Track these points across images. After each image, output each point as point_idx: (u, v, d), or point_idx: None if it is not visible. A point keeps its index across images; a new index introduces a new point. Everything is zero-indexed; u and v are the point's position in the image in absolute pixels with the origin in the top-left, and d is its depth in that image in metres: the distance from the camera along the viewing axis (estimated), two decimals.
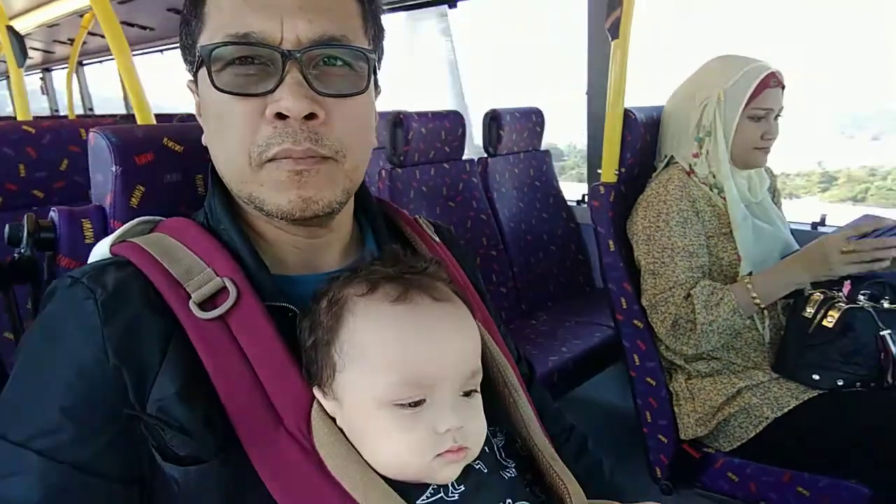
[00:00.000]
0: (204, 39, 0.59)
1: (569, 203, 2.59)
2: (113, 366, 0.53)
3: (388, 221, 0.74)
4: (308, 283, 0.61)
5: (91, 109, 5.49)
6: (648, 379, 1.50)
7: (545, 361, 1.80)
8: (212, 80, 0.57)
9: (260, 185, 0.59)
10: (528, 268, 2.35)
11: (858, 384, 1.29)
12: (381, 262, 0.56)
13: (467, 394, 0.54)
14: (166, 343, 0.55)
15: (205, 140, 0.64)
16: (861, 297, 1.31)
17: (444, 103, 3.32)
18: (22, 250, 0.69)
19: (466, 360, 0.54)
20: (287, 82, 0.55)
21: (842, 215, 1.85)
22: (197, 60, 0.60)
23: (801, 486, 1.32)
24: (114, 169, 0.68)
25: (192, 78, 0.64)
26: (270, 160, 0.57)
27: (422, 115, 2.09)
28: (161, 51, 4.32)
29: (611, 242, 1.49)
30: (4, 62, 2.22)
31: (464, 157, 2.31)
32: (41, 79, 5.93)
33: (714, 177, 1.42)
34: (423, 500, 0.51)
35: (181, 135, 0.73)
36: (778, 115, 1.42)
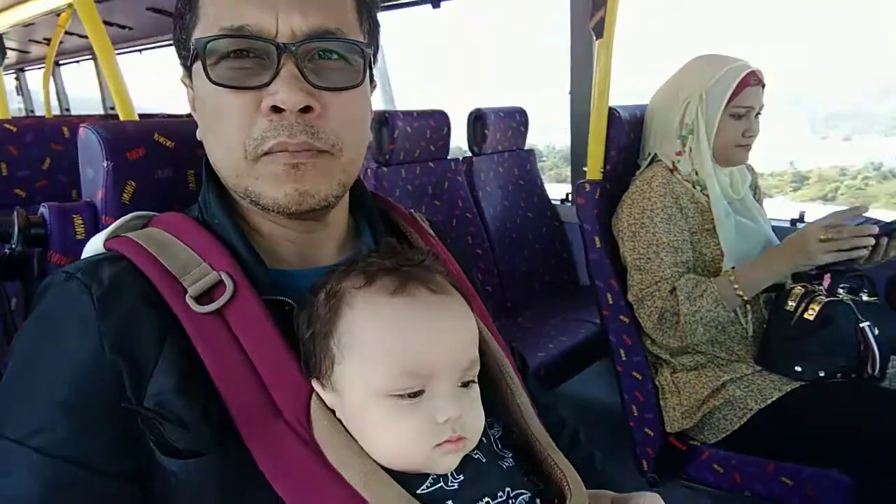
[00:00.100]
0: (198, 33, 0.59)
1: (553, 202, 2.61)
2: (110, 360, 0.53)
3: (383, 216, 0.74)
4: (304, 277, 0.61)
5: (67, 110, 5.40)
6: (635, 373, 1.52)
7: (532, 357, 1.82)
8: (207, 74, 0.57)
9: (256, 178, 0.59)
10: (513, 266, 2.36)
11: (839, 375, 1.32)
12: (379, 255, 0.56)
13: (465, 384, 0.54)
14: (163, 337, 0.54)
15: (199, 135, 0.64)
16: (840, 291, 1.34)
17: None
18: (13, 246, 0.68)
19: (464, 350, 0.54)
20: (282, 75, 0.56)
21: (810, 214, 1.90)
22: (191, 54, 0.60)
23: (785, 476, 1.34)
24: (105, 164, 0.67)
25: (185, 72, 0.64)
26: (266, 154, 0.57)
27: (407, 115, 2.10)
28: (140, 50, 4.27)
29: (597, 239, 1.51)
30: None
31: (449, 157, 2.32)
32: (16, 79, 5.82)
33: (697, 174, 1.44)
34: (423, 489, 0.51)
35: (172, 130, 0.73)
36: (758, 113, 1.44)
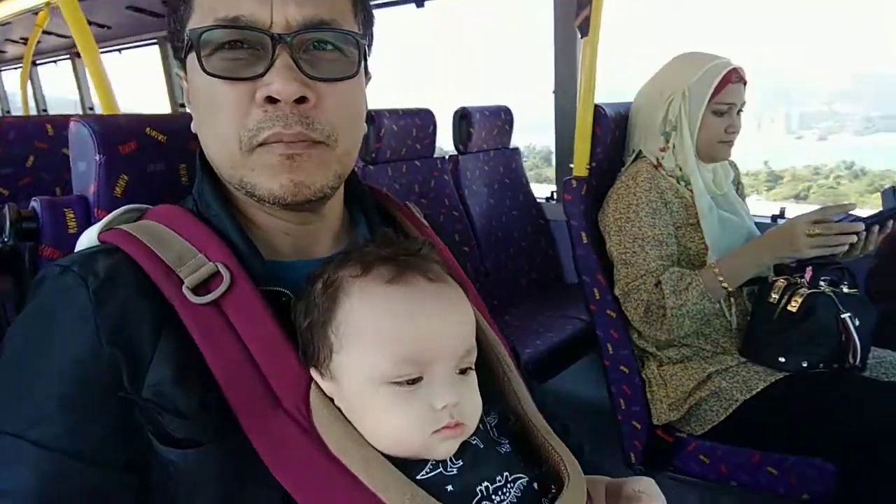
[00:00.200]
0: (193, 24, 0.59)
1: (538, 200, 2.63)
2: (107, 352, 0.52)
3: (378, 207, 0.75)
4: (300, 268, 0.61)
5: (45, 110, 5.32)
6: (622, 367, 1.53)
7: (519, 353, 1.82)
8: (201, 65, 0.57)
9: (251, 169, 0.59)
10: (499, 264, 2.37)
11: (822, 365, 1.35)
12: (375, 245, 0.56)
13: (463, 371, 0.55)
14: (159, 328, 0.54)
15: (194, 127, 0.64)
16: (822, 283, 1.37)
17: None
18: (5, 240, 0.67)
19: (462, 337, 0.55)
20: (277, 66, 0.56)
21: (790, 211, 1.94)
22: (185, 45, 0.60)
23: (770, 466, 1.37)
24: (97, 158, 0.67)
25: (180, 64, 0.64)
26: (261, 144, 0.57)
27: (393, 113, 2.10)
28: (119, 50, 4.21)
29: (583, 235, 1.52)
30: None
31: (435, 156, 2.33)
32: None
33: (681, 169, 1.46)
34: (423, 475, 0.51)
35: (163, 124, 0.73)
36: (740, 110, 1.47)
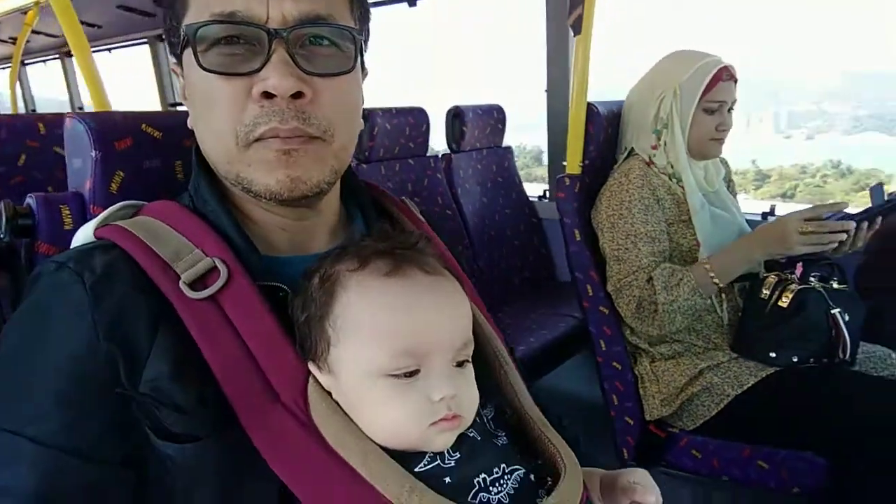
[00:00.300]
0: (189, 19, 0.59)
1: (531, 199, 2.64)
2: (104, 348, 0.53)
3: (374, 203, 0.75)
4: (297, 264, 0.61)
5: (34, 111, 5.28)
6: (615, 363, 1.54)
7: (513, 350, 1.83)
8: (197, 61, 0.57)
9: (247, 165, 0.59)
10: (492, 262, 2.38)
11: (812, 360, 1.36)
12: (372, 239, 0.57)
13: (460, 364, 0.55)
14: (157, 324, 0.54)
15: (190, 123, 0.64)
16: (812, 279, 1.39)
17: None
18: (1, 237, 0.67)
19: (459, 330, 0.55)
20: (273, 61, 0.56)
21: (780, 209, 1.96)
22: (182, 41, 0.60)
23: (761, 460, 1.38)
24: (93, 154, 0.67)
25: (176, 60, 0.64)
26: (258, 140, 0.57)
27: (386, 112, 2.10)
28: (109, 49, 4.19)
29: (576, 232, 1.53)
30: None
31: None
32: None
33: (672, 167, 1.47)
34: (421, 467, 0.52)
35: (159, 121, 0.73)
36: (731, 108, 1.48)
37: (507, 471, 0.54)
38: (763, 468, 1.38)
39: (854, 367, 1.39)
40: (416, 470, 0.51)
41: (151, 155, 0.71)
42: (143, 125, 0.71)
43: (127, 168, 0.70)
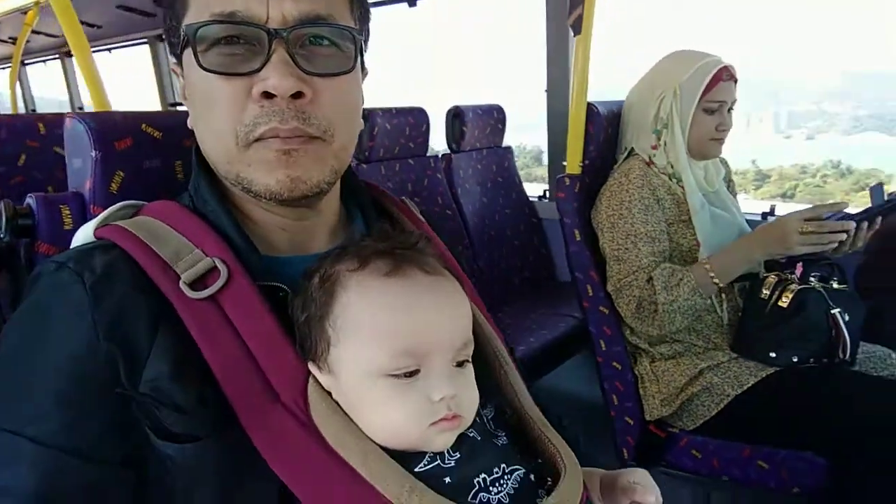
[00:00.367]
0: (189, 19, 0.59)
1: (531, 199, 2.64)
2: (104, 348, 0.52)
3: (374, 203, 0.75)
4: (297, 264, 0.61)
5: (34, 111, 5.28)
6: (615, 363, 1.54)
7: (513, 350, 1.83)
8: (197, 61, 0.57)
9: (247, 165, 0.59)
10: (492, 262, 2.38)
11: (812, 360, 1.36)
12: (372, 239, 0.57)
13: (460, 364, 0.55)
14: (157, 324, 0.54)
15: (190, 123, 0.64)
16: (812, 279, 1.39)
17: None
18: (1, 237, 0.67)
19: (459, 330, 0.55)
20: (273, 61, 0.56)
21: (780, 209, 1.96)
22: (182, 41, 0.60)
23: (761, 460, 1.38)
24: (93, 154, 0.67)
25: (176, 61, 0.64)
26: (258, 140, 0.57)
27: (386, 112, 2.11)
28: (109, 49, 4.19)
29: (576, 232, 1.53)
30: None
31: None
32: None
33: (672, 167, 1.47)
34: (421, 467, 0.52)
35: (159, 121, 0.73)
36: (731, 108, 1.48)
37: (507, 471, 0.54)
38: (763, 468, 1.38)
39: (854, 367, 1.39)
40: (416, 470, 0.51)
41: (151, 155, 0.71)
42: (143, 125, 0.71)
43: (127, 168, 0.70)
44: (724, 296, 1.45)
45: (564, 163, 1.61)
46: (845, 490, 1.26)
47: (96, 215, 0.63)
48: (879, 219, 1.31)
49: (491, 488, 0.52)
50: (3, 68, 5.07)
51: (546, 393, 0.79)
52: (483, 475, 0.53)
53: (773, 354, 1.37)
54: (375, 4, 2.95)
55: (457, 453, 0.53)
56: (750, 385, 1.36)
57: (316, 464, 0.51)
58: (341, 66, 0.60)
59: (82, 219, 0.69)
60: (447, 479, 0.51)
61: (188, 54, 0.59)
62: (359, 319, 0.53)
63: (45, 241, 0.68)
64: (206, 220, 0.62)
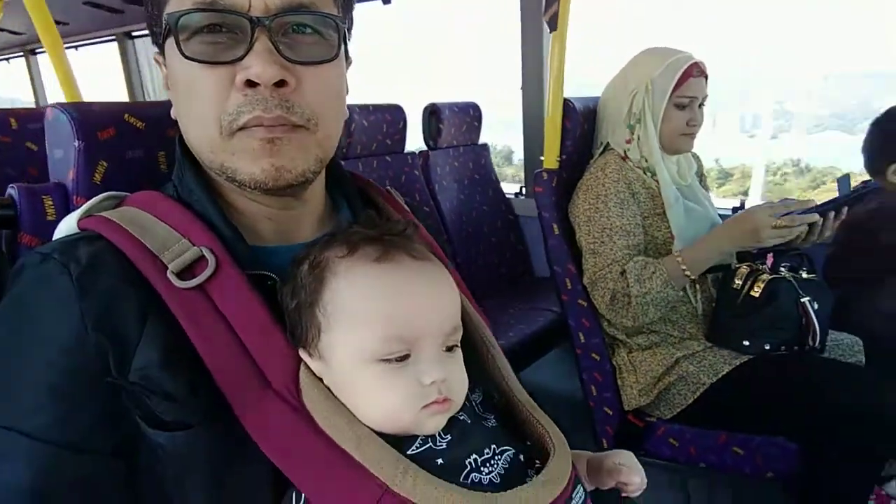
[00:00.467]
0: (170, 8, 0.58)
1: (507, 195, 2.66)
2: (93, 339, 0.52)
3: (360, 193, 0.75)
4: (283, 253, 0.62)
5: None
6: (593, 355, 1.57)
7: None
8: (180, 49, 0.57)
9: (231, 154, 0.58)
10: (470, 258, 2.39)
11: (783, 348, 1.40)
12: (360, 226, 0.57)
13: (449, 349, 0.56)
14: (145, 314, 0.54)
15: (174, 113, 0.63)
16: (782, 269, 1.43)
17: None
18: None
19: (448, 314, 0.56)
20: (256, 49, 0.55)
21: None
22: (164, 30, 0.59)
23: (736, 446, 1.41)
24: (76, 144, 0.66)
25: (158, 50, 0.63)
26: (241, 129, 0.57)
27: (363, 108, 2.10)
28: (76, 47, 4.10)
29: (554, 226, 1.55)
30: None
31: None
32: None
33: (646, 161, 1.50)
34: (413, 450, 0.52)
35: (142, 111, 0.72)
36: (702, 104, 1.51)
37: (497, 451, 0.55)
38: (738, 454, 1.41)
39: (823, 354, 1.43)
40: (409, 452, 0.52)
41: (134, 145, 0.71)
42: (126, 115, 0.70)
43: (110, 158, 0.69)
44: (697, 286, 1.48)
45: (541, 157, 1.63)
46: (816, 474, 1.31)
47: (79, 206, 0.63)
48: (846, 209, 1.36)
49: (482, 468, 0.53)
50: None
51: (525, 387, 0.80)
52: (474, 456, 0.53)
53: (746, 343, 1.40)
54: None
55: (448, 436, 0.54)
56: (724, 373, 1.39)
57: (309, 448, 0.51)
58: (324, 55, 0.59)
59: (65, 210, 0.68)
60: (439, 461, 0.52)
61: (170, 44, 0.58)
62: (349, 305, 0.53)
63: (27, 233, 0.67)
64: (191, 209, 0.61)
